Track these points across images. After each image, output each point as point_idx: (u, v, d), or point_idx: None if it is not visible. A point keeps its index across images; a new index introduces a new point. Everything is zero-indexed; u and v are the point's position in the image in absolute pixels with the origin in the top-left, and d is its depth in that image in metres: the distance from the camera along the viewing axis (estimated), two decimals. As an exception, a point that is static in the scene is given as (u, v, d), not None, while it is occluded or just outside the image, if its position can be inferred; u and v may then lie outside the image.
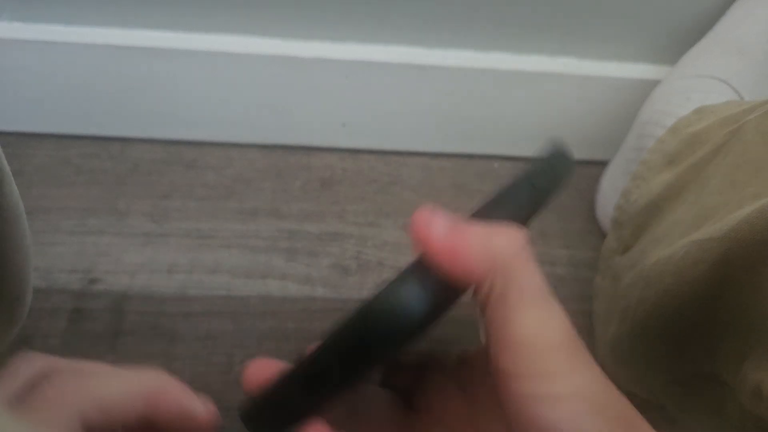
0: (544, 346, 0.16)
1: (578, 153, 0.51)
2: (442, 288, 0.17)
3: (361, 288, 0.40)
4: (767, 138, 0.27)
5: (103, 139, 0.46)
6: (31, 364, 0.20)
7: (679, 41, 0.43)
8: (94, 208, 0.42)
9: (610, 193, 0.44)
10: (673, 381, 0.30)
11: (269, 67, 0.42)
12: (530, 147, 0.49)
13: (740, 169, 0.27)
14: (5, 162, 0.23)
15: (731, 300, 0.25)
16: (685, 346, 0.28)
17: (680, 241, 0.28)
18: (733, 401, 0.26)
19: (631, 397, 0.18)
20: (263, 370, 0.19)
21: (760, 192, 0.26)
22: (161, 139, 0.47)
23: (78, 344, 0.36)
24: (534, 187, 0.20)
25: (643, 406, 0.33)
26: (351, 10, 0.40)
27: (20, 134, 0.46)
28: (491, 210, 0.20)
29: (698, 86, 0.38)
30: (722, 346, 0.26)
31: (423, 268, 0.18)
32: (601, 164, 0.48)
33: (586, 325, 0.40)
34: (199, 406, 0.21)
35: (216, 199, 0.44)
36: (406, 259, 0.42)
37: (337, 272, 0.41)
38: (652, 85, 0.42)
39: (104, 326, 0.37)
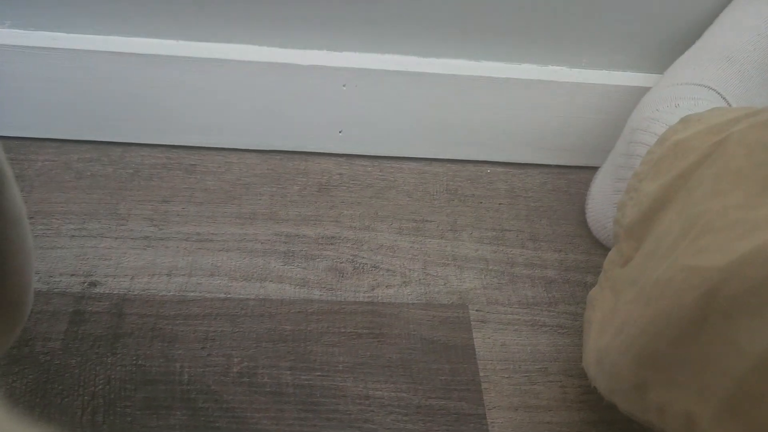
0: None
1: (569, 159, 0.52)
2: None
3: (356, 290, 0.41)
4: (750, 149, 0.27)
5: (104, 144, 0.47)
6: None
7: (667, 50, 0.44)
8: (94, 212, 0.43)
9: (600, 198, 0.45)
10: (632, 416, 0.30)
11: (268, 74, 0.43)
12: (521, 153, 0.50)
13: (722, 179, 0.28)
14: (7, 166, 0.23)
15: (702, 345, 0.25)
16: (647, 388, 0.28)
17: (672, 254, 0.28)
18: None
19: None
20: None
21: (743, 202, 0.26)
22: (162, 145, 0.47)
23: (78, 346, 0.36)
24: None
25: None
26: (348, 20, 0.41)
27: (22, 139, 0.46)
28: None
29: (687, 93, 0.39)
30: (676, 403, 0.26)
31: None
32: (591, 170, 0.48)
33: (575, 327, 0.41)
34: None
35: (215, 203, 0.45)
36: (400, 262, 0.43)
37: (333, 275, 0.42)
38: (641, 92, 0.43)
39: (104, 329, 0.37)
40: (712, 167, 0.29)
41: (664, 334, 0.27)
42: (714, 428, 0.24)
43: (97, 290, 0.39)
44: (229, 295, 0.40)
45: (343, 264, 0.42)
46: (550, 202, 0.48)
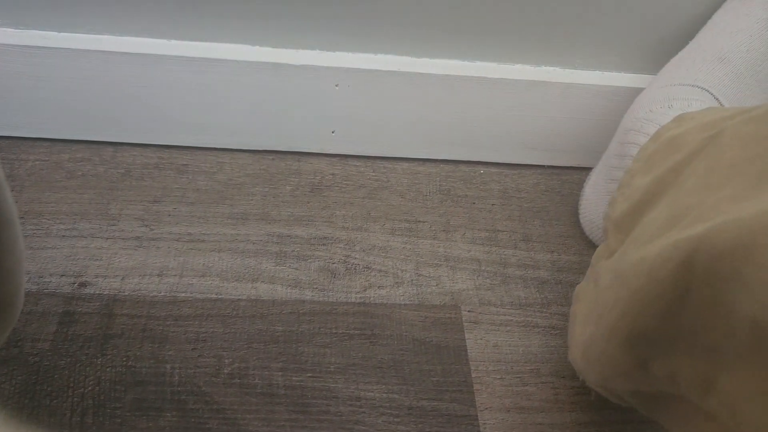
0: None
1: (562, 160, 0.52)
2: None
3: (348, 291, 0.41)
4: (744, 143, 0.27)
5: (95, 143, 0.47)
6: None
7: (660, 51, 0.44)
8: (85, 213, 0.43)
9: (593, 199, 0.45)
10: (638, 392, 0.30)
11: (260, 74, 0.42)
12: (514, 154, 0.50)
13: (715, 172, 0.27)
14: None
15: (693, 314, 0.25)
16: (649, 363, 0.28)
17: (653, 240, 0.28)
18: (704, 420, 0.26)
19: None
20: None
21: (736, 194, 0.25)
22: (153, 144, 0.47)
23: (68, 347, 0.36)
24: None
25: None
26: (341, 20, 0.41)
27: (13, 138, 0.46)
28: None
29: (680, 94, 0.39)
30: (686, 369, 0.26)
31: None
32: (585, 170, 0.49)
33: (567, 328, 0.41)
34: None
35: (207, 203, 0.45)
36: (392, 263, 0.43)
37: (325, 275, 0.42)
38: (634, 93, 0.43)
39: (94, 329, 0.37)
40: (704, 160, 0.29)
41: (648, 313, 0.27)
42: (735, 385, 0.24)
43: (87, 291, 0.39)
44: (220, 296, 0.40)
45: (335, 264, 0.42)
46: (543, 202, 0.48)
